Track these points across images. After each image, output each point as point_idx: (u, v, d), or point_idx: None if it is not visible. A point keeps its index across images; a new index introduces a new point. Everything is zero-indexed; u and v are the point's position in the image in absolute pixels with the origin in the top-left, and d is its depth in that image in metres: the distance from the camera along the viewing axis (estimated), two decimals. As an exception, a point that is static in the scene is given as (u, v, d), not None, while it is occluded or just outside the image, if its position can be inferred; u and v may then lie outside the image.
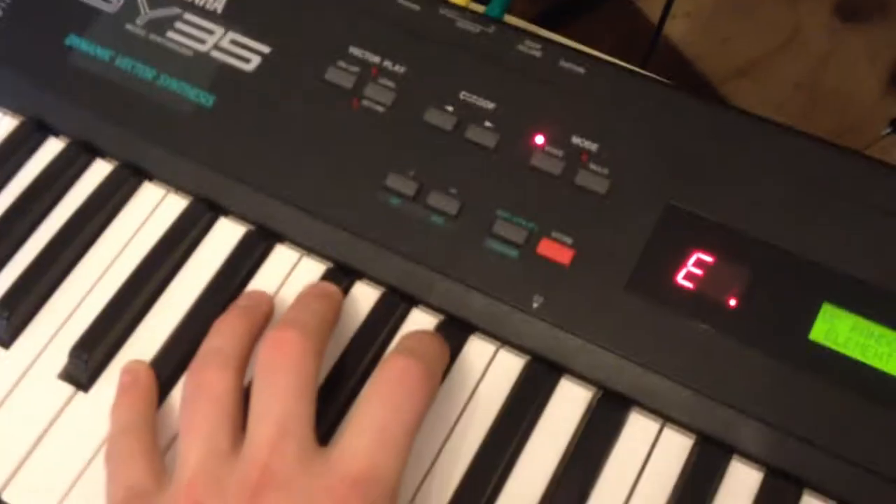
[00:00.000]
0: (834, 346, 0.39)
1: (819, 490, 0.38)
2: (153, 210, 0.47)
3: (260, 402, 0.37)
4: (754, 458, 0.39)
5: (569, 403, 0.41)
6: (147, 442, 0.40)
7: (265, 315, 0.43)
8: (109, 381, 0.42)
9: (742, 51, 0.95)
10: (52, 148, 0.48)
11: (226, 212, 0.46)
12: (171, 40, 0.49)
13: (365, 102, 0.46)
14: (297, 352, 0.38)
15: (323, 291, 0.42)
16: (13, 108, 0.50)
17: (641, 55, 0.81)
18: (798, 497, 0.38)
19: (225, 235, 0.46)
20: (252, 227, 0.46)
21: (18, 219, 0.46)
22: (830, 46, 0.94)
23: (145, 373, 0.42)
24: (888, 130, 0.67)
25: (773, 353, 0.39)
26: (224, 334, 0.41)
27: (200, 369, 0.39)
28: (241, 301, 0.43)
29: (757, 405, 0.39)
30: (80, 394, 0.42)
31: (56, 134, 0.49)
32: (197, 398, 0.39)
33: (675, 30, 0.92)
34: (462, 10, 0.48)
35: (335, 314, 0.42)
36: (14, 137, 0.49)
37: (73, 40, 0.49)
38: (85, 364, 0.42)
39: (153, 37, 0.49)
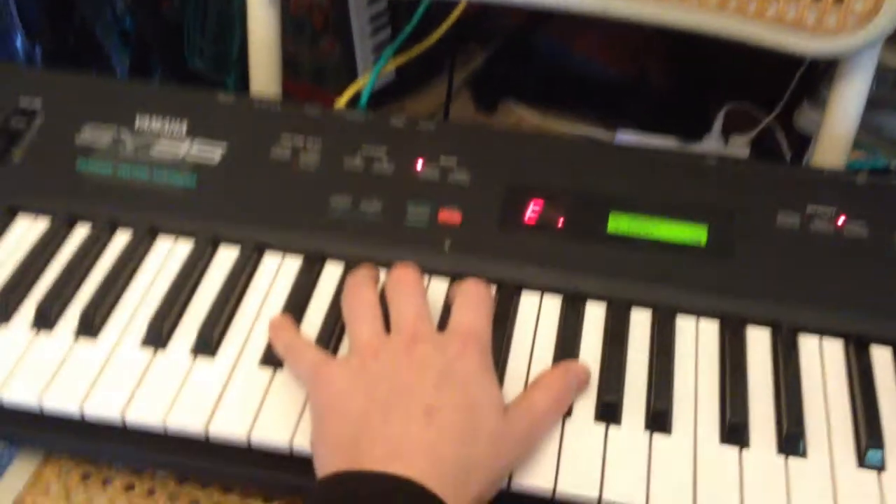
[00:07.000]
0: (624, 233, 0.66)
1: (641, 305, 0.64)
2: (168, 253, 0.67)
3: (397, 304, 0.60)
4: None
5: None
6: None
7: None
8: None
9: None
10: (81, 232, 0.68)
11: (222, 241, 0.68)
12: (155, 153, 0.71)
13: (301, 165, 0.70)
14: (414, 275, 0.61)
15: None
16: (43, 212, 0.69)
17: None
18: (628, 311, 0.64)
19: (226, 256, 0.67)
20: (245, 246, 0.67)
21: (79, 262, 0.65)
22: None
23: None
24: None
25: (590, 244, 0.66)
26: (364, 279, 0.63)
27: (356, 287, 0.62)
28: (361, 271, 0.64)
29: (586, 275, 0.65)
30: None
31: (84, 222, 0.69)
32: (357, 304, 0.60)
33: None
34: (347, 110, 0.75)
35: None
36: (49, 232, 0.68)
37: (82, 163, 0.70)
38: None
39: (141, 154, 0.71)
